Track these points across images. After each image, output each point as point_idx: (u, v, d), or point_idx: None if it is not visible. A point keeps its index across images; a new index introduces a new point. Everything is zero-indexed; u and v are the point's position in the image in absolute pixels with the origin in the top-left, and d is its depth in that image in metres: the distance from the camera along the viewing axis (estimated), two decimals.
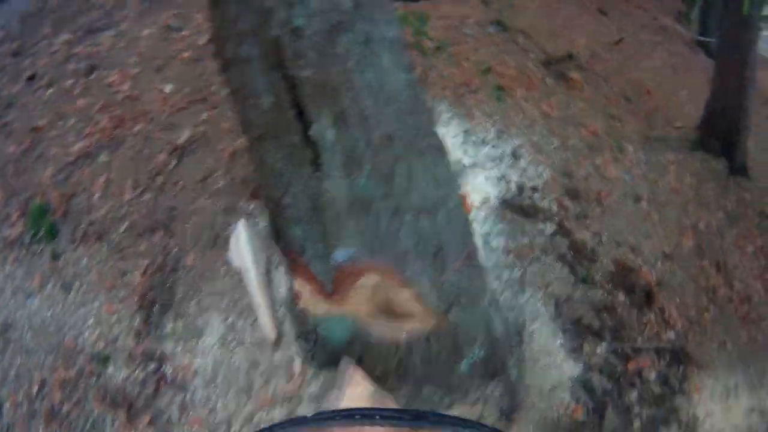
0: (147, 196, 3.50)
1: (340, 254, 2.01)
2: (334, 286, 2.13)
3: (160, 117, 4.00)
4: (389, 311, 2.27)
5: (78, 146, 3.76)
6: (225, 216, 3.34)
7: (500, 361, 2.76)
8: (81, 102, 4.12)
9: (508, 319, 3.14)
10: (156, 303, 3.05)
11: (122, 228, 3.34)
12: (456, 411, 2.71)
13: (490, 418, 2.81)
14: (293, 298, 2.42)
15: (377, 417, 0.60)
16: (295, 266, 2.19)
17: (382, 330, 2.29)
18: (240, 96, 1.74)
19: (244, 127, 1.85)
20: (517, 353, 3.04)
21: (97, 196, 3.50)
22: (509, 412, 2.88)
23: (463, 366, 2.54)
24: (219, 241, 3.22)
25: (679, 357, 3.60)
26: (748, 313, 4.22)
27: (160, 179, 3.59)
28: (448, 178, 2.11)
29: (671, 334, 3.64)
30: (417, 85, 1.93)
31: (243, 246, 2.84)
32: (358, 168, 1.78)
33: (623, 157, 4.75)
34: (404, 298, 2.16)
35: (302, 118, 1.68)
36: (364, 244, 1.98)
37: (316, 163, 1.76)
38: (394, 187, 1.88)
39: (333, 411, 0.64)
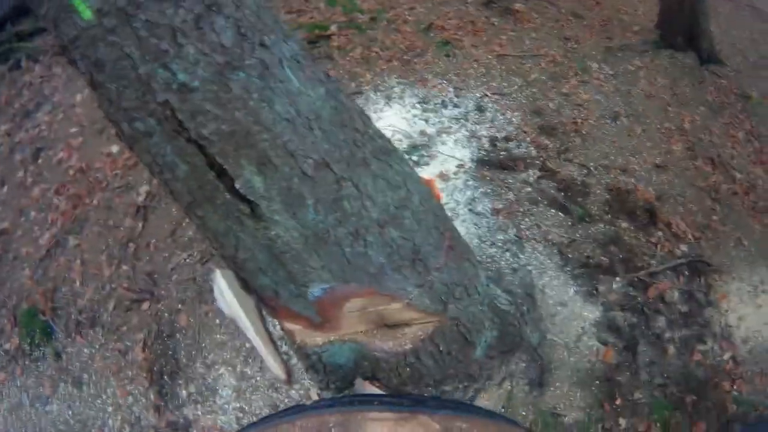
0: (124, 267, 3.37)
1: (314, 290, 1.83)
2: (321, 316, 1.95)
3: (113, 182, 3.86)
4: (385, 325, 2.10)
5: (46, 238, 3.65)
6: (203, 265, 3.20)
7: (516, 332, 2.59)
8: (36, 191, 3.99)
9: (514, 283, 2.96)
10: (164, 373, 2.93)
11: (110, 307, 3.22)
12: (484, 396, 2.56)
13: (521, 392, 2.65)
14: (287, 336, 2.25)
15: (376, 403, 0.59)
16: (275, 310, 2.01)
17: (385, 344, 2.13)
18: (155, 171, 1.52)
19: (173, 197, 1.64)
20: (533, 315, 2.87)
21: (78, 282, 3.39)
22: (539, 379, 2.73)
23: (478, 352, 2.37)
24: (205, 294, 3.09)
25: (697, 268, 3.42)
26: (755, 203, 4.03)
27: (132, 246, 3.46)
28: (404, 176, 1.89)
29: (684, 248, 3.46)
30: (339, 93, 1.69)
31: (226, 294, 2.68)
32: (300, 205, 1.58)
33: (589, 77, 4.51)
34: (395, 309, 1.98)
35: (224, 175, 1.46)
36: (334, 275, 1.78)
37: (256, 215, 1.55)
38: (345, 210, 1.68)
39: (332, 398, 0.59)
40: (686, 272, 3.37)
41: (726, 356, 3.18)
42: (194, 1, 1.24)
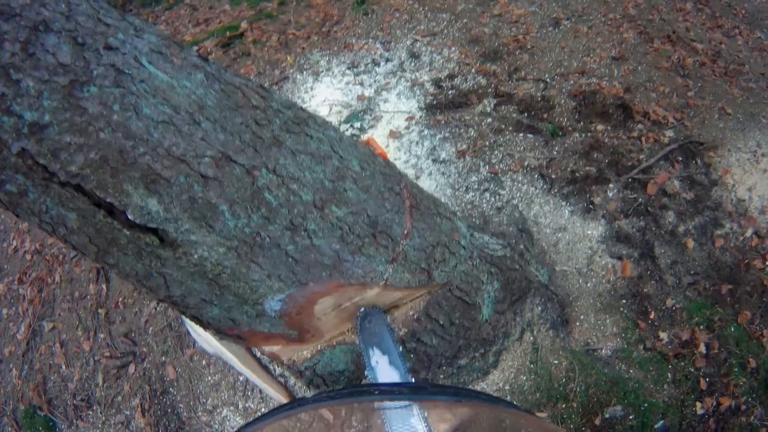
0: (101, 335, 3.08)
1: (272, 304, 1.46)
2: (294, 329, 1.60)
3: (69, 252, 3.57)
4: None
5: (22, 331, 3.39)
6: (174, 311, 2.86)
7: (520, 275, 2.22)
8: (1, 287, 3.71)
9: (503, 224, 2.59)
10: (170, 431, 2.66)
11: (100, 380, 2.94)
12: (507, 357, 2.20)
13: (546, 338, 2.30)
14: (273, 359, 1.87)
15: (376, 392, 0.59)
16: (243, 339, 1.62)
17: None
18: (49, 231, 1.17)
19: (81, 253, 1.27)
20: (533, 251, 2.50)
21: (63, 365, 3.11)
22: (561, 318, 2.37)
23: (485, 312, 2.01)
24: (183, 338, 2.79)
25: (690, 150, 3.09)
26: (726, 68, 3.70)
27: (102, 311, 3.15)
28: (331, 142, 1.51)
29: (670, 133, 3.12)
30: (223, 72, 1.32)
31: (200, 331, 2.31)
32: (213, 215, 1.22)
33: None
34: (374, 296, 1.61)
35: (114, 211, 1.10)
36: (285, 281, 1.42)
37: (168, 242, 1.19)
38: (269, 203, 1.32)
39: (333, 390, 0.63)
40: (680, 158, 3.03)
41: (748, 233, 2.86)
42: (16, 29, 0.92)
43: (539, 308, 2.29)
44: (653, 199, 2.81)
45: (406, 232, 1.66)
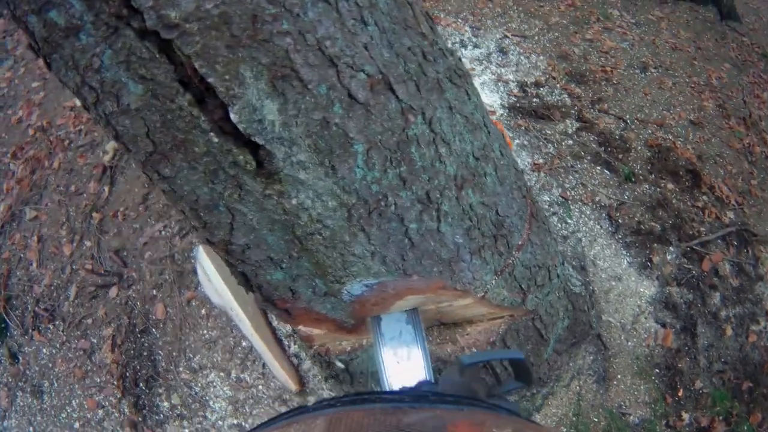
0: (87, 243, 2.63)
1: (354, 287, 1.12)
2: (356, 319, 1.25)
3: (77, 140, 3.09)
4: (442, 324, 1.49)
5: (0, 211, 2.93)
6: (183, 239, 2.46)
7: (586, 318, 1.99)
8: None
9: (567, 254, 2.35)
10: (139, 380, 2.24)
11: (72, 294, 2.50)
12: (553, 403, 1.97)
13: (589, 391, 2.08)
14: (302, 340, 1.52)
15: (377, 400, 0.53)
16: (289, 314, 1.25)
17: (441, 349, 1.49)
18: (89, 102, 0.77)
19: (124, 148, 0.86)
20: (589, 293, 2.27)
21: (34, 263, 2.66)
22: (604, 373, 2.16)
23: (549, 349, 1.76)
24: (186, 276, 2.35)
25: (744, 238, 2.91)
26: None
27: (96, 217, 2.70)
28: (483, 112, 1.21)
29: (730, 214, 2.94)
30: None
31: (213, 277, 1.89)
32: (343, 153, 0.87)
33: (612, 24, 3.88)
34: (462, 305, 1.32)
35: (207, 101, 0.72)
36: (389, 266, 1.09)
37: (266, 171, 0.82)
38: (413, 162, 0.98)
39: (333, 398, 0.56)
40: (734, 242, 2.86)
41: None
42: None
43: (590, 358, 2.06)
44: (705, 275, 2.62)
45: (521, 243, 1.38)
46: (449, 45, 3.14)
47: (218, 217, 0.94)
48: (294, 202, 0.90)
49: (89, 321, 2.40)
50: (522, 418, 0.57)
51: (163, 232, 2.52)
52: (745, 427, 2.35)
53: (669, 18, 4.19)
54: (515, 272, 1.39)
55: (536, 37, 3.49)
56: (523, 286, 1.45)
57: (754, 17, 4.94)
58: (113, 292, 2.43)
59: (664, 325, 2.42)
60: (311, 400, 1.98)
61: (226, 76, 0.71)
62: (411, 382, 1.12)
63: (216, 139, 0.78)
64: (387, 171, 0.95)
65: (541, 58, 3.31)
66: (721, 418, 2.32)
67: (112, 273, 2.48)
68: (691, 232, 2.72)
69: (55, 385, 2.33)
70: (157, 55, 0.68)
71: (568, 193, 2.57)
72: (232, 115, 0.75)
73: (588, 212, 2.55)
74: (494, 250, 1.27)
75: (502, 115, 2.82)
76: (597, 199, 2.60)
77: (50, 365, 2.38)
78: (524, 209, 1.41)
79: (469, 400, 0.55)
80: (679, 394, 2.30)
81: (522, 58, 3.28)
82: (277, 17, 0.71)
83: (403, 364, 1.21)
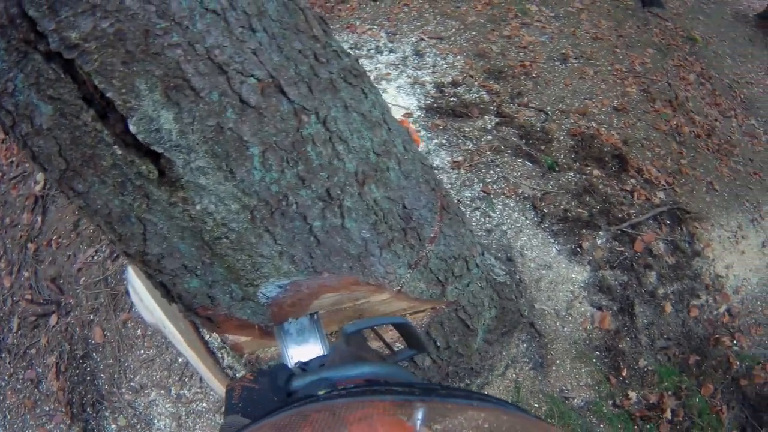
0: (26, 273, 2.79)
1: (268, 289, 1.26)
2: (278, 322, 1.39)
3: (9, 171, 3.25)
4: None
5: None
6: (114, 262, 2.61)
7: (514, 307, 2.19)
8: None
9: (492, 247, 2.57)
10: (86, 404, 2.37)
11: (14, 326, 2.66)
12: (491, 392, 2.15)
13: (527, 378, 2.27)
14: (231, 349, 1.66)
15: (387, 393, 0.55)
16: (212, 322, 1.39)
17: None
18: (6, 121, 0.93)
19: (40, 168, 1.02)
20: (515, 282, 2.49)
21: None
22: (541, 360, 2.36)
23: (479, 340, 1.95)
24: (120, 298, 2.51)
25: (677, 216, 3.20)
26: (719, 146, 3.92)
27: (32, 247, 2.85)
28: (382, 109, 1.36)
29: (661, 195, 3.23)
30: None
31: (144, 297, 2.02)
32: (240, 157, 1.01)
33: (530, 19, 4.22)
34: (380, 301, 1.47)
35: (109, 115, 0.89)
36: (298, 265, 1.22)
37: (168, 179, 0.98)
38: (310, 160, 1.10)
39: (344, 388, 0.61)
40: (667, 221, 3.14)
41: (721, 309, 2.99)
42: None
43: (524, 345, 2.26)
44: (639, 256, 2.87)
45: (433, 235, 1.55)
46: (364, 52, 3.41)
47: (131, 229, 1.05)
48: (198, 207, 1.02)
49: (33, 351, 2.54)
50: (529, 415, 0.62)
51: (95, 257, 2.67)
52: (697, 400, 2.57)
53: (589, 9, 4.57)
54: (430, 264, 1.53)
55: (453, 38, 3.78)
56: (440, 277, 1.59)
57: (678, 2, 5.42)
58: (53, 320, 2.58)
59: (600, 308, 2.64)
60: None
61: (122, 90, 0.84)
62: (309, 357, 1.26)
63: (120, 151, 0.90)
64: (285, 171, 1.07)
65: (459, 57, 3.59)
66: (670, 393, 2.52)
67: (51, 301, 2.64)
68: (620, 215, 2.98)
69: (8, 417, 2.45)
70: (62, 75, 0.81)
71: (490, 187, 2.80)
72: (130, 127, 0.87)
73: (512, 204, 2.78)
74: (405, 243, 1.41)
75: (419, 116, 3.05)
76: (520, 191, 2.84)
77: (1, 398, 2.49)
78: (434, 202, 1.56)
79: (479, 395, 0.59)
80: (623, 373, 2.50)
81: (439, 59, 3.55)
82: (167, 30, 0.83)
83: (301, 345, 1.37)
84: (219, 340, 2.14)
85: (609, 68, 3.97)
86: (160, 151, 0.91)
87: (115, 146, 0.90)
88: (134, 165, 0.93)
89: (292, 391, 0.97)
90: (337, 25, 3.71)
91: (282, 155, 1.05)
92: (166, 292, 1.26)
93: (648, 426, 2.37)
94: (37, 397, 2.45)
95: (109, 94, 0.83)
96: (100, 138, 0.89)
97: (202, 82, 0.90)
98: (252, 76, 0.96)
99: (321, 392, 0.65)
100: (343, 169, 1.18)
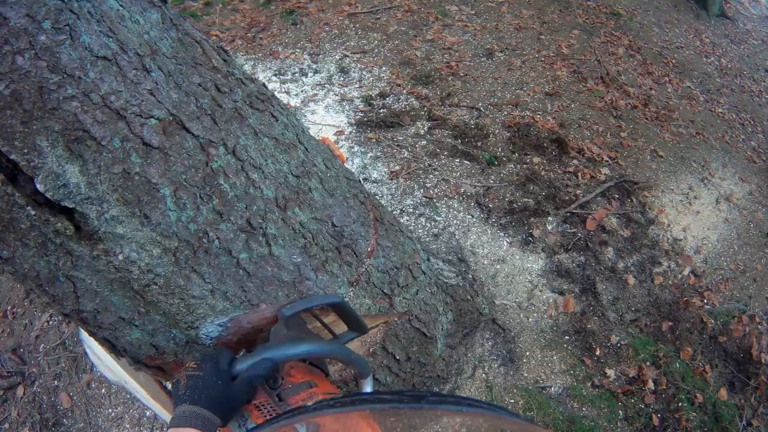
0: None
1: (209, 329, 1.24)
2: None
3: None
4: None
5: None
6: (69, 325, 2.62)
7: (471, 307, 2.19)
8: None
9: (441, 251, 2.58)
10: None
11: None
12: (463, 393, 2.14)
13: (498, 375, 2.27)
14: None
15: (377, 401, 0.58)
16: (164, 372, 1.36)
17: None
18: None
19: None
20: (469, 282, 2.50)
21: None
22: (509, 355, 2.36)
23: (440, 346, 1.94)
24: (80, 360, 2.51)
25: (625, 188, 3.26)
26: (657, 113, 4.01)
27: None
28: (296, 130, 1.36)
29: (605, 170, 3.29)
30: (182, 20, 1.14)
31: (101, 354, 2.01)
32: (151, 200, 1.00)
33: (452, 20, 4.29)
34: (331, 322, 1.46)
35: (18, 177, 0.90)
36: (232, 300, 1.21)
37: (85, 233, 0.98)
38: (224, 193, 1.10)
39: (333, 398, 0.61)
40: (616, 195, 3.18)
41: (686, 272, 3.03)
42: None
43: (489, 343, 2.25)
44: (592, 234, 2.91)
45: (370, 249, 1.54)
46: (289, 76, 3.43)
47: (62, 288, 1.05)
48: (120, 257, 1.02)
49: (6, 426, 2.49)
50: (524, 420, 0.64)
51: (50, 322, 2.67)
52: (677, 365, 2.59)
53: (509, 1, 4.69)
54: (372, 279, 1.52)
55: (376, 50, 3.82)
56: (385, 290, 1.58)
57: None
58: (20, 391, 2.54)
59: (561, 293, 2.65)
60: None
61: (24, 150, 0.85)
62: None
63: (33, 212, 0.90)
64: (200, 207, 1.07)
65: (384, 68, 3.63)
66: (648, 363, 2.54)
67: (15, 372, 2.61)
68: (567, 198, 3.02)
69: None
70: None
71: (431, 191, 2.82)
72: (38, 185, 0.87)
73: (456, 205, 2.79)
74: (341, 261, 1.39)
75: (351, 132, 3.07)
76: (462, 190, 2.86)
77: None
78: (366, 215, 1.55)
79: (469, 401, 0.60)
80: (597, 353, 2.51)
81: (364, 73, 3.58)
82: (60, 84, 0.84)
83: None
84: None
85: (536, 56, 4.05)
86: (71, 206, 0.91)
87: (28, 207, 0.90)
88: (50, 224, 0.93)
89: (236, 375, 1.00)
90: (260, 54, 3.73)
91: (194, 192, 1.05)
92: (112, 347, 1.25)
93: (632, 400, 2.38)
94: None
95: (12, 156, 0.84)
96: (13, 201, 0.89)
97: (102, 131, 0.90)
98: (151, 116, 0.96)
99: (310, 403, 0.66)
100: (261, 197, 1.18)
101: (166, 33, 1.04)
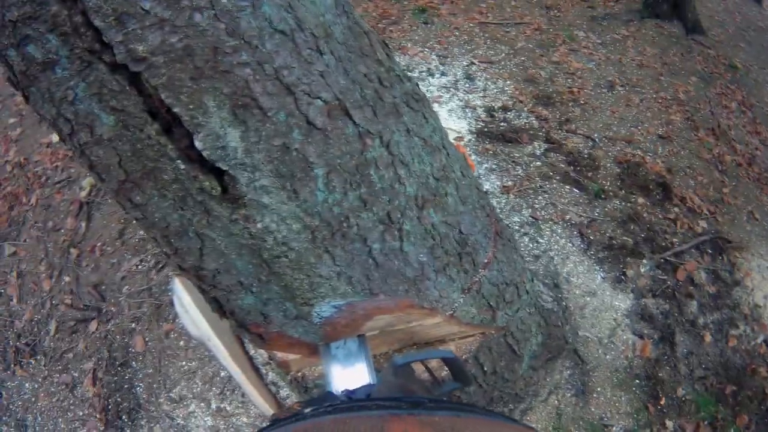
0: (66, 278, 2.79)
1: (323, 309, 1.24)
2: (329, 341, 1.37)
3: (54, 176, 3.28)
4: (414, 345, 1.62)
5: None
6: (159, 272, 2.64)
7: (560, 333, 2.19)
8: None
9: (539, 273, 2.56)
10: (122, 412, 2.36)
11: (52, 329, 2.65)
12: (531, 418, 2.15)
13: (569, 405, 2.26)
14: (278, 367, 1.66)
15: (374, 406, 0.55)
16: (263, 339, 1.39)
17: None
18: (64, 133, 0.89)
19: (97, 178, 1.00)
20: (562, 309, 2.47)
21: (15, 299, 2.82)
22: (582, 387, 2.34)
23: (524, 366, 1.94)
24: (164, 309, 2.53)
25: (718, 245, 3.15)
26: (759, 174, 3.83)
27: (74, 252, 2.87)
28: (442, 134, 1.36)
29: (703, 224, 3.18)
30: (353, 8, 1.12)
31: (190, 308, 2.04)
32: (304, 177, 0.98)
33: (578, 45, 4.19)
34: (432, 325, 1.48)
35: (174, 130, 0.86)
36: (355, 286, 1.20)
37: (231, 196, 0.95)
38: (373, 183, 1.10)
39: (330, 404, 0.60)
40: (709, 250, 3.09)
41: (759, 339, 2.92)
42: None
43: (567, 372, 2.25)
44: (681, 285, 2.84)
45: (487, 260, 1.56)
46: (416, 74, 3.41)
47: (188, 243, 1.03)
48: (259, 226, 1.00)
49: (70, 355, 2.54)
50: (522, 425, 0.62)
51: (140, 267, 2.70)
52: (732, 430, 2.54)
53: (635, 36, 4.51)
54: (483, 290, 1.53)
55: (503, 62, 3.77)
56: (491, 303, 1.59)
57: (720, 29, 5.31)
58: (93, 326, 2.58)
59: (641, 336, 2.61)
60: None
61: (190, 106, 0.82)
62: (355, 385, 1.25)
63: (183, 166, 0.89)
64: (347, 193, 1.06)
65: (508, 82, 3.58)
66: (706, 423, 2.50)
67: (91, 307, 2.64)
68: (664, 244, 2.95)
69: (39, 419, 2.44)
70: (127, 88, 0.79)
71: (539, 213, 2.80)
72: (196, 143, 0.85)
73: (559, 231, 2.77)
74: (460, 267, 1.41)
75: (470, 140, 3.06)
76: (567, 217, 2.82)
77: (33, 400, 2.50)
78: (489, 228, 1.58)
79: (469, 407, 0.59)
80: (662, 402, 2.48)
81: (489, 83, 3.54)
82: (236, 49, 0.82)
83: (347, 370, 1.37)
84: (264, 356, 2.16)
85: (654, 96, 3.92)
86: (224, 168, 0.90)
87: (179, 161, 0.88)
88: (197, 180, 0.91)
89: None
90: (390, 46, 3.72)
91: (345, 177, 1.04)
92: (219, 307, 1.25)
93: None
94: (71, 401, 2.46)
95: (176, 110, 0.82)
96: (163, 152, 0.87)
97: (270, 102, 0.88)
98: (319, 98, 0.95)
99: (308, 410, 0.64)
100: (404, 193, 1.18)
101: (338, 18, 1.03)
